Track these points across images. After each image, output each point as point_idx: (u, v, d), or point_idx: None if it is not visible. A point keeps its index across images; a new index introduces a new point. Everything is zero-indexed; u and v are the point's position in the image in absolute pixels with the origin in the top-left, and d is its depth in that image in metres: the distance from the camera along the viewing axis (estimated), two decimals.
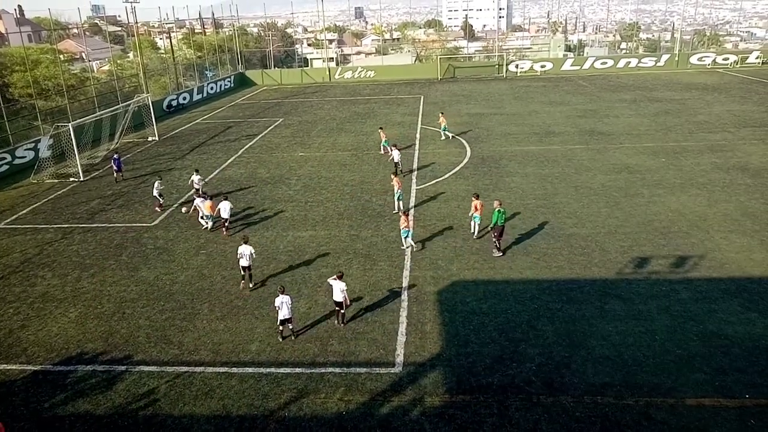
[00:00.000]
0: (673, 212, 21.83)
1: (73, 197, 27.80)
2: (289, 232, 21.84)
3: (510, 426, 11.32)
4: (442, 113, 37.21)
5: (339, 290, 14.68)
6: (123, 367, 13.88)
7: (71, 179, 30.64)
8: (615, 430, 11.10)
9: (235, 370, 13.57)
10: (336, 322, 15.32)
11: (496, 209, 18.60)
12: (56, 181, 30.67)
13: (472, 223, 20.34)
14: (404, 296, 16.54)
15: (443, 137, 34.99)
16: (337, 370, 13.37)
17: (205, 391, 12.84)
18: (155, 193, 25.04)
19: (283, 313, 14.22)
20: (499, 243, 18.89)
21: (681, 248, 18.75)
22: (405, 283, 17.28)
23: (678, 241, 19.32)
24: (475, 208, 19.91)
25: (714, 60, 63.87)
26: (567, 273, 17.49)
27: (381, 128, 34.73)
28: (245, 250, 16.90)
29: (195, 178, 25.41)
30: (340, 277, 14.82)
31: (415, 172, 28.59)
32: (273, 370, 13.50)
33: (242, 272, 17.42)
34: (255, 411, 12.13)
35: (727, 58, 63.88)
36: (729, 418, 11.16)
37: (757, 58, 63.33)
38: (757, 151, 29.31)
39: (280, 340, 14.65)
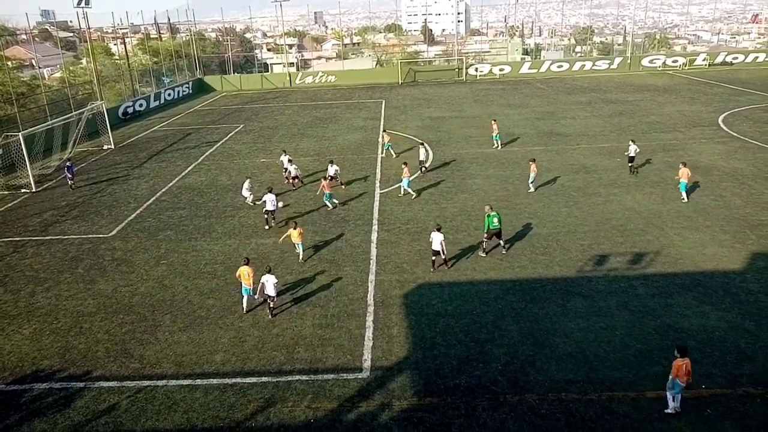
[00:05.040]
0: (629, 210, 22.48)
1: (24, 209, 26.79)
2: (252, 239, 21.58)
3: (477, 426, 11.43)
4: (385, 131, 35.11)
5: (438, 241, 17.49)
6: (81, 384, 13.43)
7: (23, 190, 29.54)
8: (579, 425, 11.34)
9: (199, 381, 13.30)
10: (431, 269, 18.06)
11: (487, 214, 18.81)
12: (6, 192, 29.50)
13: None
14: (370, 300, 16.53)
15: (385, 155, 32.44)
16: (304, 377, 13.25)
17: (168, 405, 12.53)
18: (245, 193, 24.72)
19: (267, 291, 15.53)
20: (486, 245, 19.16)
21: (637, 245, 19.32)
22: (371, 288, 17.27)
23: (634, 238, 19.91)
24: (532, 169, 24.70)
25: (664, 62, 66.20)
26: (530, 273, 17.80)
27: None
28: (269, 198, 21.99)
29: (331, 168, 26.47)
30: (438, 230, 17.81)
31: (378, 177, 28.66)
32: (239, 380, 13.29)
33: (265, 215, 22.45)
34: (221, 423, 11.91)
35: (676, 61, 66.31)
36: (687, 409, 11.53)
37: (704, 60, 65.94)
38: (706, 150, 30.47)
39: (270, 317, 15.81)
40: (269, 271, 15.79)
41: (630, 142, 27.29)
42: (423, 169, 28.80)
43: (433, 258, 18.13)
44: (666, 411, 11.51)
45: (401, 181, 25.14)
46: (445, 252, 17.89)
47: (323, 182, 24.25)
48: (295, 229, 19.18)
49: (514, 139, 35.12)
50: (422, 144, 29.57)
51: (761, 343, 13.66)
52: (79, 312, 16.84)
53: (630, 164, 27.09)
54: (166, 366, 13.95)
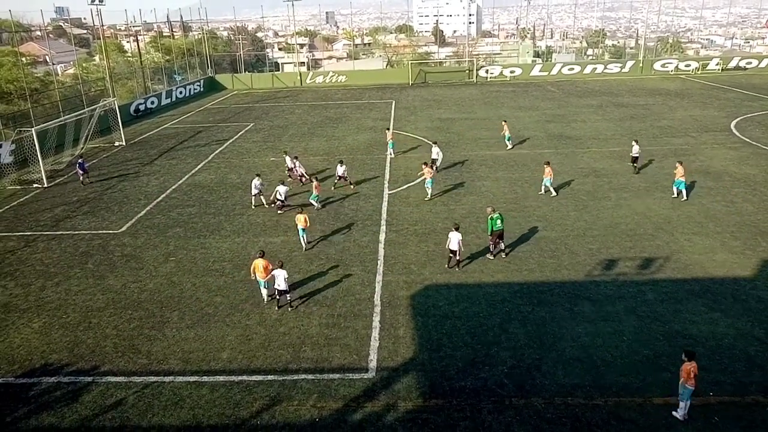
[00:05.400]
0: (638, 215, 22.34)
1: (36, 204, 27.05)
2: (261, 237, 21.65)
3: (483, 429, 11.40)
4: (388, 129, 35.82)
5: (456, 241, 17.60)
6: (89, 378, 13.54)
7: (35, 185, 29.82)
8: (585, 430, 11.28)
9: (205, 378, 13.36)
10: (447, 265, 18.31)
11: (489, 216, 18.70)
12: (19, 187, 29.78)
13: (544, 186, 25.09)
14: (377, 301, 16.54)
15: (391, 155, 32.51)
16: (310, 376, 13.28)
17: (174, 401, 12.60)
18: (254, 191, 24.69)
19: (278, 284, 15.80)
20: (492, 247, 19.10)
21: (647, 250, 19.19)
22: (378, 288, 17.28)
23: (644, 243, 19.78)
24: (547, 172, 24.63)
25: (676, 66, 65.72)
26: (537, 276, 17.74)
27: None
28: (281, 188, 23.69)
29: (340, 168, 26.71)
30: (456, 229, 17.90)
31: (387, 177, 28.67)
32: (245, 377, 13.34)
33: (278, 201, 23.81)
34: (226, 420, 11.96)
35: (689, 65, 65.81)
36: (694, 416, 11.44)
37: (717, 64, 65.41)
38: (718, 155, 30.23)
39: (276, 309, 16.20)
40: (281, 266, 16.04)
41: (633, 143, 28.27)
42: (435, 169, 28.79)
43: (450, 256, 18.31)
44: (673, 413, 11.49)
45: (426, 181, 25.02)
46: (461, 252, 18.06)
47: (315, 182, 24.36)
48: (300, 214, 20.07)
49: (524, 141, 35.01)
50: (434, 143, 29.70)
51: None
52: (88, 307, 16.98)
53: (633, 164, 28.01)
54: (173, 362, 14.03)
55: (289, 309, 16.25)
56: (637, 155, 27.65)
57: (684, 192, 23.78)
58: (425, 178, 24.94)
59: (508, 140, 33.24)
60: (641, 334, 14.37)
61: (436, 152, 29.06)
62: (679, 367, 11.47)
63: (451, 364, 13.50)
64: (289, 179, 27.98)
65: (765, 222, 21.11)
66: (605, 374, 12.92)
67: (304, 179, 27.72)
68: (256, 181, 24.66)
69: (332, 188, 26.67)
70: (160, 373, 13.65)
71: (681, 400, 11.37)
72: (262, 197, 24.80)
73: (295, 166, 27.89)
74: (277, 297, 16.32)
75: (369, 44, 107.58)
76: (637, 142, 28.14)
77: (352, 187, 26.87)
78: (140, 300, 17.28)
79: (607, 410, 11.80)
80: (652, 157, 30.13)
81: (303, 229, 20.14)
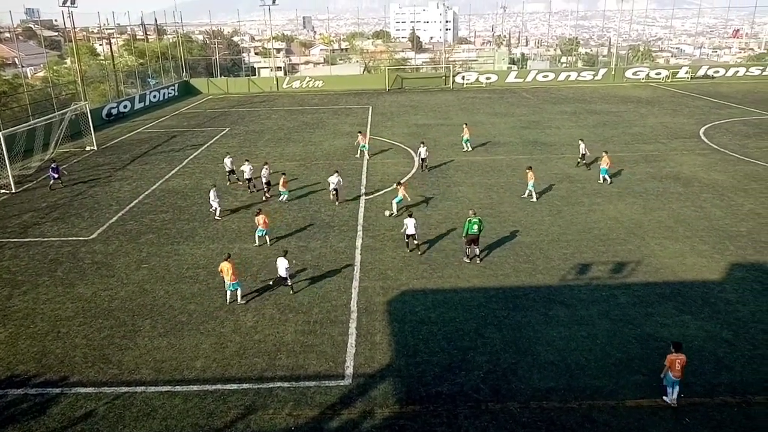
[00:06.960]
0: (611, 220, 22.71)
1: (3, 210, 26.34)
2: (236, 243, 21.41)
3: None
4: (360, 132, 35.85)
5: (412, 226, 19.33)
6: (58, 390, 13.19)
7: (2, 191, 29.03)
8: None
9: (178, 388, 13.13)
10: (408, 250, 19.85)
11: (468, 219, 18.85)
12: None
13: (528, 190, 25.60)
14: (354, 307, 16.48)
15: (366, 156, 33.36)
16: (286, 384, 13.15)
17: (146, 412, 12.35)
18: (213, 203, 24.00)
19: (279, 272, 16.98)
20: (467, 250, 19.30)
21: (619, 254, 19.51)
22: (354, 294, 17.22)
23: (616, 247, 20.10)
24: (530, 177, 25.23)
25: (647, 74, 67.17)
26: (513, 281, 17.88)
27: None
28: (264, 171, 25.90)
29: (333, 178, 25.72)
30: (411, 215, 19.67)
31: (364, 183, 28.65)
32: (219, 386, 13.15)
33: (265, 186, 26.27)
34: (200, 430, 11.76)
35: (660, 73, 67.32)
36: (666, 418, 11.65)
37: (686, 73, 67.05)
38: (688, 161, 30.93)
39: (292, 293, 17.19)
40: (285, 255, 17.09)
41: (580, 141, 31.06)
42: (424, 167, 30.45)
43: (407, 241, 19.91)
44: (664, 398, 12.14)
45: (395, 198, 23.83)
46: (418, 237, 19.65)
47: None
48: (258, 215, 20.87)
49: (495, 145, 35.33)
50: (422, 143, 30.97)
51: (738, 352, 13.85)
52: (57, 316, 16.56)
53: (579, 159, 30.46)
54: (145, 372, 13.76)
55: (291, 292, 17.21)
56: (584, 152, 30.16)
57: (608, 178, 27.28)
58: (397, 195, 23.65)
59: (466, 142, 34.73)
60: (614, 338, 14.58)
61: (424, 151, 30.11)
62: (662, 363, 12.16)
63: (428, 370, 13.51)
64: (233, 183, 28.92)
65: (732, 226, 21.65)
66: (579, 377, 13.07)
67: (250, 184, 27.47)
68: (212, 193, 23.95)
69: (336, 203, 25.46)
70: (131, 383, 13.37)
71: (666, 384, 12.11)
72: (212, 209, 24.15)
73: (261, 175, 26.72)
74: (273, 286, 17.29)
75: (346, 50, 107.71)
76: (582, 140, 30.96)
77: (337, 204, 25.54)
78: (111, 308, 16.93)
79: (581, 413, 11.93)
80: (623, 164, 30.69)
81: (263, 230, 20.88)
